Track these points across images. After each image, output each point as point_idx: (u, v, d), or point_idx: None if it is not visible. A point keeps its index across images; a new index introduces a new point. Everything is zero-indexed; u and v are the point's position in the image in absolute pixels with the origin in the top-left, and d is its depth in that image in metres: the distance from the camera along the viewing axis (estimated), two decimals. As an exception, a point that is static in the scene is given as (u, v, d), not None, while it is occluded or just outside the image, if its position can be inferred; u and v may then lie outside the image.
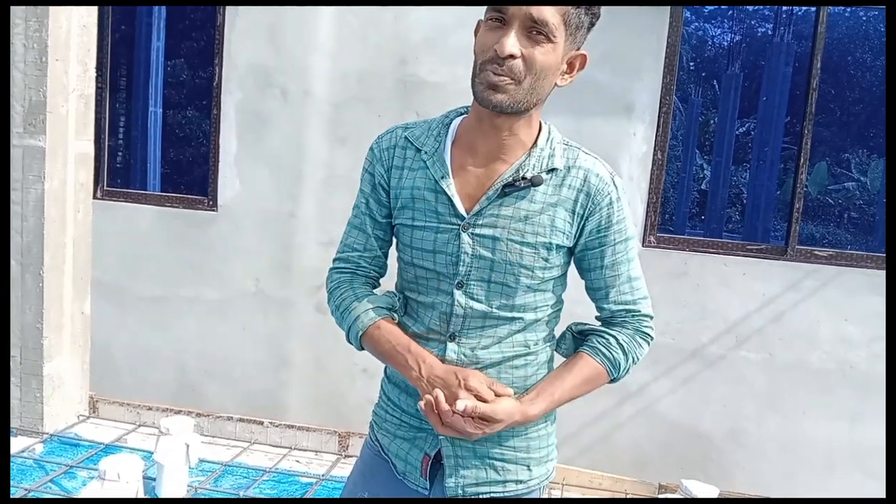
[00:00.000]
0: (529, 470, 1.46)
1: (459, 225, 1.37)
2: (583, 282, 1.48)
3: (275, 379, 4.16)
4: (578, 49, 1.36)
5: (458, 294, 1.39)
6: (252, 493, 3.42)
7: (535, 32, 1.26)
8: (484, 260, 1.37)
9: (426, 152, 1.41)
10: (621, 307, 1.44)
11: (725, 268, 3.71)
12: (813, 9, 3.66)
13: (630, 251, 1.43)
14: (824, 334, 3.64)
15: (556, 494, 3.68)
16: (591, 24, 1.35)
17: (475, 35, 1.36)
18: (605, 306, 1.45)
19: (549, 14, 1.25)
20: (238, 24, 3.99)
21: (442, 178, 1.38)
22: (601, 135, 3.67)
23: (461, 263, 1.37)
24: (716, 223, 5.93)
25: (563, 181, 1.37)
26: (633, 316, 1.44)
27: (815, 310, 3.63)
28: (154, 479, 3.30)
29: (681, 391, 3.79)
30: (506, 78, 1.28)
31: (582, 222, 1.38)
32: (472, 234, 1.36)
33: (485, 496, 1.45)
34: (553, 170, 1.37)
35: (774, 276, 3.67)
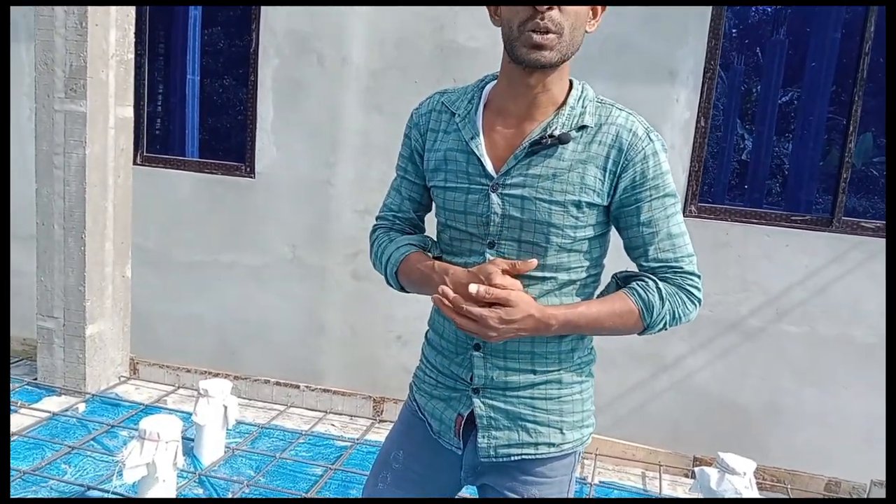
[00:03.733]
0: (562, 433, 1.46)
1: (489, 185, 1.37)
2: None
3: (311, 344, 4.20)
4: None
5: (489, 254, 1.39)
6: (288, 455, 3.47)
7: None
8: (513, 220, 1.36)
9: (459, 115, 1.43)
10: (662, 264, 1.38)
11: (768, 239, 3.63)
12: (867, -29, 3.52)
13: (669, 207, 1.38)
14: (869, 308, 3.55)
15: (589, 465, 3.68)
16: None
17: (490, 8, 1.37)
18: (645, 264, 1.40)
19: None
20: (275, -10, 3.97)
21: (472, 139, 1.39)
22: (644, 101, 3.59)
23: (491, 224, 1.37)
24: (757, 194, 5.80)
25: (594, 138, 1.34)
26: (675, 272, 1.38)
27: (861, 283, 3.54)
28: (193, 440, 3.37)
29: (718, 364, 3.74)
30: (550, 35, 1.27)
31: (615, 179, 1.35)
32: (502, 193, 1.36)
33: (516, 458, 1.45)
34: (584, 127, 1.35)
35: (819, 247, 3.58)
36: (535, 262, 1.33)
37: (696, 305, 1.41)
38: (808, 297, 3.61)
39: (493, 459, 1.46)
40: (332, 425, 3.95)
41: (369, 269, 4.14)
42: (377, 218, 1.61)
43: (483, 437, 1.45)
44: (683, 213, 3.65)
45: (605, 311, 1.36)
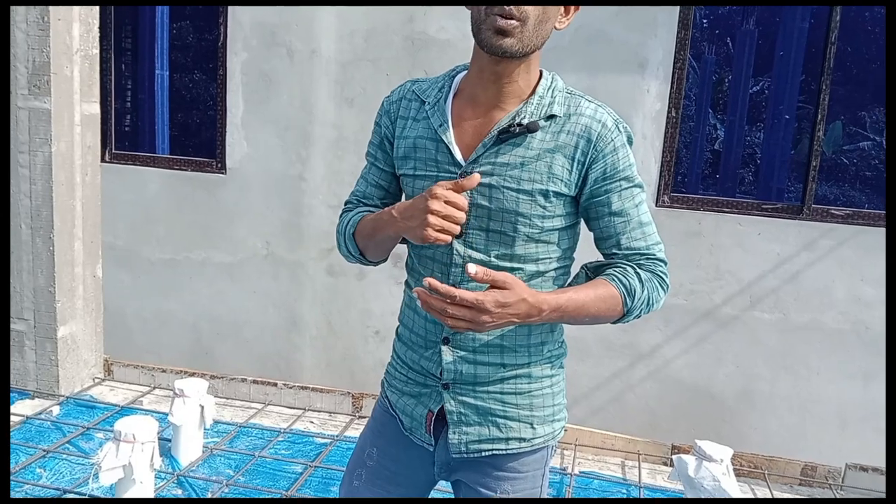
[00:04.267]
0: (533, 428, 1.46)
1: (457, 173, 1.37)
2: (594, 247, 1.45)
3: (287, 341, 4.17)
4: None
5: (456, 244, 1.38)
6: (267, 453, 3.45)
7: None
8: (482, 208, 1.36)
9: (429, 104, 1.43)
10: (634, 252, 1.39)
11: (740, 227, 3.67)
12: (834, -40, 3.55)
13: (637, 196, 1.39)
14: (839, 294, 3.60)
15: (569, 455, 3.70)
16: None
17: None
18: (618, 252, 1.40)
19: None
20: (243, -18, 3.91)
21: (440, 126, 1.39)
22: (614, 91, 3.60)
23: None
24: (729, 183, 5.86)
25: (563, 127, 1.35)
26: (647, 259, 1.40)
27: (831, 269, 3.59)
28: (170, 441, 3.33)
29: (693, 352, 3.78)
30: (513, 21, 1.27)
31: (584, 170, 1.35)
32: None
33: (487, 453, 1.45)
34: (552, 117, 1.35)
35: (790, 235, 3.62)
36: (477, 176, 1.27)
37: (665, 291, 1.42)
38: (779, 284, 3.65)
39: (465, 455, 1.46)
40: (311, 422, 3.92)
41: (344, 264, 4.12)
42: (344, 203, 1.61)
43: (454, 433, 1.45)
44: (656, 203, 3.68)
45: (590, 297, 1.34)
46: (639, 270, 1.38)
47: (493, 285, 1.23)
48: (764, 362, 3.72)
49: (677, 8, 3.56)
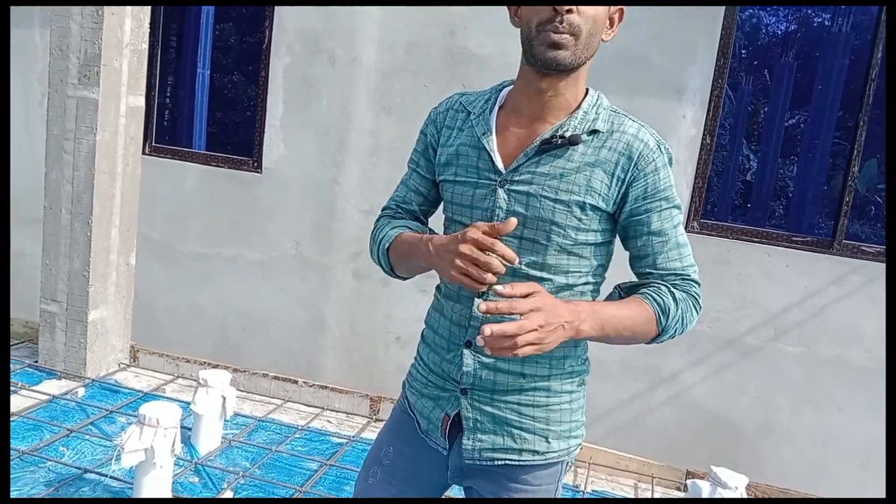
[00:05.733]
0: (548, 442, 1.46)
1: (496, 181, 1.40)
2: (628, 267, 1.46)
3: (310, 340, 4.22)
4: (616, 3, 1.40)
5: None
6: (284, 448, 3.49)
7: None
8: (517, 215, 1.37)
9: (474, 114, 1.47)
10: (670, 272, 1.41)
11: (768, 258, 3.66)
12: (878, -3, 3.56)
13: (675, 217, 1.41)
14: (867, 331, 3.57)
15: (582, 473, 3.70)
16: None
17: (510, 6, 1.41)
18: (653, 272, 1.41)
19: None
20: (291, -12, 4.01)
21: (483, 134, 1.43)
22: (651, 115, 3.60)
23: (495, 218, 1.39)
24: (760, 214, 5.83)
25: (605, 143, 1.37)
26: (682, 279, 1.41)
27: (859, 306, 3.57)
28: (190, 429, 3.39)
29: (715, 380, 3.76)
30: (566, 35, 1.30)
31: (624, 188, 1.37)
32: (508, 189, 1.38)
33: (500, 463, 1.46)
34: (595, 132, 1.38)
35: (819, 269, 3.61)
36: (514, 221, 1.26)
37: (698, 312, 1.43)
38: (806, 317, 3.63)
39: (477, 462, 1.47)
40: (329, 422, 3.96)
41: (371, 269, 4.17)
42: (382, 209, 1.63)
43: (468, 439, 1.46)
44: (686, 228, 3.69)
45: (625, 310, 1.34)
46: (673, 290, 1.38)
47: (528, 295, 1.22)
48: (786, 395, 3.69)
49: (717, 36, 3.58)
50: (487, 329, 1.17)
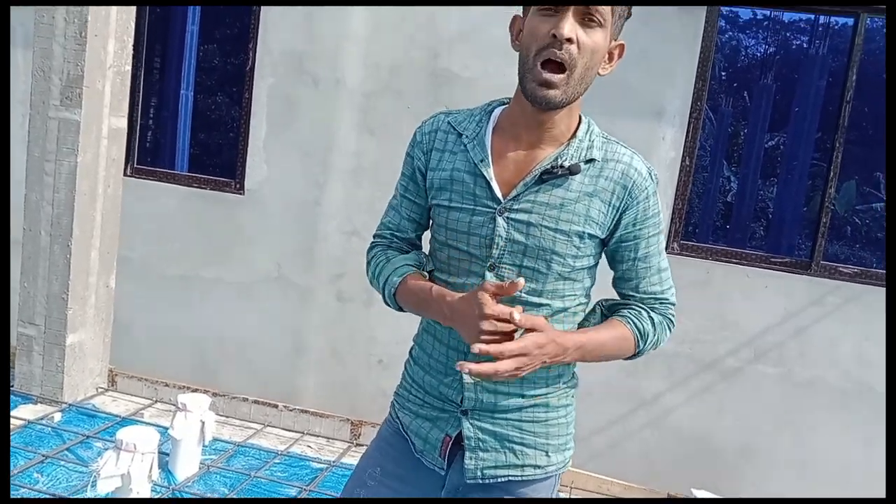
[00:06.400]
0: (548, 456, 1.49)
1: (496, 209, 1.40)
2: (609, 278, 1.52)
3: (291, 364, 4.19)
4: (616, 38, 1.41)
5: (489, 276, 1.41)
6: (263, 474, 3.45)
7: (588, 19, 1.31)
8: (517, 244, 1.39)
9: (467, 136, 1.45)
10: (650, 296, 1.48)
11: (748, 279, 3.69)
12: (850, 22, 3.63)
13: (661, 244, 1.48)
14: (844, 353, 3.61)
15: (564, 496, 3.68)
16: (629, 16, 1.41)
17: (512, 30, 1.42)
18: (633, 294, 1.49)
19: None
20: (273, 11, 4.03)
21: (481, 161, 1.42)
22: (630, 137, 3.61)
23: (495, 246, 1.40)
24: (740, 235, 5.88)
25: (601, 172, 1.40)
26: (660, 303, 1.49)
27: (837, 327, 3.60)
28: (168, 454, 3.35)
29: (695, 402, 3.77)
30: (558, 76, 1.31)
31: (617, 215, 1.41)
32: (508, 218, 1.39)
33: (502, 479, 1.48)
34: (591, 160, 1.40)
35: (797, 290, 3.64)
36: (522, 281, 1.29)
37: (671, 331, 1.52)
38: (785, 339, 3.66)
39: (480, 481, 1.47)
40: (309, 446, 3.93)
41: (354, 291, 4.16)
42: (374, 235, 1.62)
43: (470, 458, 1.47)
44: (666, 249, 3.71)
45: (608, 338, 1.43)
46: (651, 314, 1.47)
47: (532, 328, 1.30)
48: (765, 416, 3.71)
49: (696, 59, 3.63)
50: (466, 367, 1.27)
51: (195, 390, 4.09)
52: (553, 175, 1.38)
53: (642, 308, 1.47)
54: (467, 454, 1.47)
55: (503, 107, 1.48)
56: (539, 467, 1.49)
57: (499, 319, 1.27)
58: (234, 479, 3.39)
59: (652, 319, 1.46)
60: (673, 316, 1.50)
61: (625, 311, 1.47)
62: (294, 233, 4.13)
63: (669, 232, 3.73)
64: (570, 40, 1.29)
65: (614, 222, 1.41)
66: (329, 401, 4.14)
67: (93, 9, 3.72)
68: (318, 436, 4.06)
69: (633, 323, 1.45)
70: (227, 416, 4.12)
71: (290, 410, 4.12)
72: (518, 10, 1.43)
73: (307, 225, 4.11)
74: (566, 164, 1.38)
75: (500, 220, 1.39)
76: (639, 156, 1.44)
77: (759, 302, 3.67)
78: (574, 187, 1.38)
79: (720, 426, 3.75)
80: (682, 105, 3.67)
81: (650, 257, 1.45)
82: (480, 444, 1.47)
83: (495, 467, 1.47)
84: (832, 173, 3.64)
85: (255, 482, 3.37)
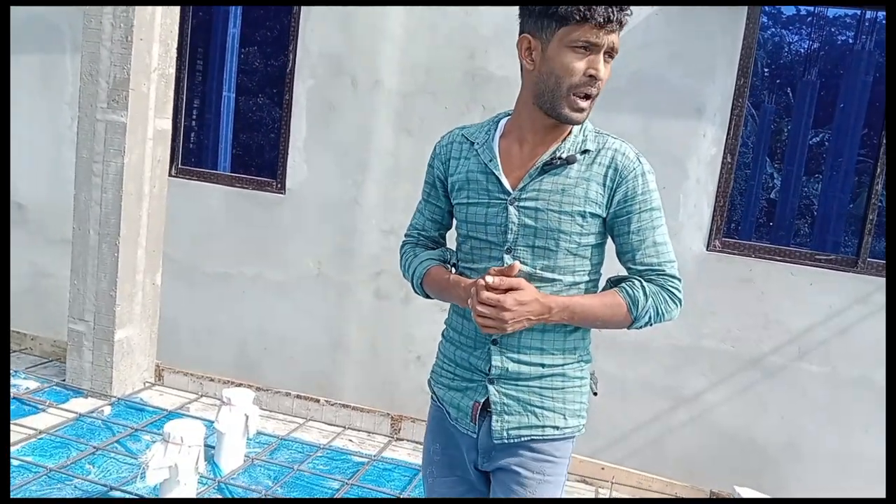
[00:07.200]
0: (565, 419, 1.67)
1: (507, 200, 1.61)
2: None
3: (331, 360, 4.25)
4: None
5: (507, 258, 1.62)
6: (306, 467, 3.51)
7: (608, 56, 1.53)
8: (528, 228, 1.60)
9: (478, 143, 1.69)
10: (646, 267, 1.61)
11: (792, 277, 3.63)
12: (899, 15, 3.55)
13: (655, 220, 1.61)
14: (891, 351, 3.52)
15: (605, 493, 3.67)
16: None
17: (520, 47, 1.59)
18: (633, 266, 1.63)
19: (618, 39, 1.54)
20: (312, 13, 4.09)
21: (490, 161, 1.65)
22: (670, 135, 3.64)
23: (509, 232, 1.61)
24: (783, 232, 5.77)
25: (595, 159, 1.60)
26: (658, 274, 1.61)
27: (883, 326, 3.52)
28: (214, 447, 3.43)
29: (737, 400, 3.73)
30: (589, 101, 1.55)
31: (610, 193, 1.59)
32: (518, 206, 1.60)
33: (525, 438, 1.65)
34: (586, 151, 1.60)
35: (843, 288, 3.57)
36: (517, 264, 1.55)
37: (677, 305, 1.63)
38: (830, 336, 3.59)
39: (505, 441, 1.65)
40: (350, 440, 3.98)
41: (391, 289, 4.21)
42: (405, 235, 1.89)
43: (497, 420, 1.65)
44: (707, 247, 3.68)
45: (597, 303, 1.61)
46: (645, 284, 1.60)
47: (510, 288, 1.51)
48: (810, 414, 3.65)
49: (737, 56, 3.59)
50: (484, 294, 1.52)
51: (239, 385, 4.17)
52: (553, 165, 1.59)
53: (638, 279, 1.61)
54: (494, 417, 1.66)
55: (508, 117, 1.71)
56: (557, 428, 1.66)
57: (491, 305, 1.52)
58: (278, 471, 3.45)
59: (644, 288, 1.59)
60: (674, 288, 1.61)
61: (622, 283, 1.63)
62: (333, 231, 4.18)
63: (710, 229, 3.69)
64: (597, 78, 1.52)
65: (609, 200, 1.59)
66: (369, 396, 4.19)
67: (138, 13, 3.82)
68: (359, 430, 4.11)
69: (626, 291, 1.60)
70: (271, 411, 4.20)
71: (332, 405, 4.18)
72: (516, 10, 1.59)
73: (346, 224, 4.16)
74: (563, 155, 1.59)
75: (511, 209, 1.60)
76: (627, 144, 1.62)
77: (804, 300, 3.61)
78: (573, 174, 1.59)
79: (763, 424, 3.70)
80: (723, 102, 3.63)
81: (643, 230, 1.60)
82: (506, 408, 1.65)
83: (518, 428, 1.65)
84: (879, 169, 3.56)
85: (298, 475, 3.43)
